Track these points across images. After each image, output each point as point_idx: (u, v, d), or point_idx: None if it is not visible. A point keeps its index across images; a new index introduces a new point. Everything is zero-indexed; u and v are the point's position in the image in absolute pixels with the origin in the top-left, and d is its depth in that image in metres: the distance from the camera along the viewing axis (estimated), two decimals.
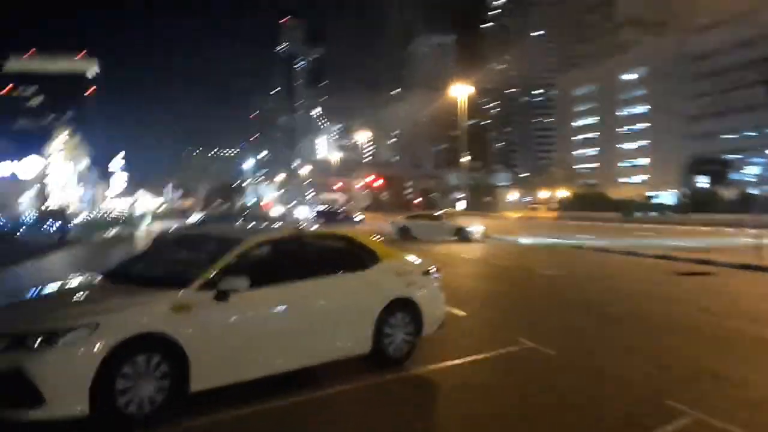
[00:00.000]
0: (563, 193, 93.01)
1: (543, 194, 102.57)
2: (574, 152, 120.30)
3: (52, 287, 6.13)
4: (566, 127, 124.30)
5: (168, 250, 7.28)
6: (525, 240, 29.87)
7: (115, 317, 4.99)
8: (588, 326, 9.54)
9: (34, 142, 55.86)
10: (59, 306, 5.23)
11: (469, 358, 7.39)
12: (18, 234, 29.57)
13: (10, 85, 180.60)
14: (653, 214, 62.56)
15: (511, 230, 39.32)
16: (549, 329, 9.21)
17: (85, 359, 4.71)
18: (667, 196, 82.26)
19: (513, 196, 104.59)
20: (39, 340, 4.66)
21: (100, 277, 6.18)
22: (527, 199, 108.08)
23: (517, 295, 13.04)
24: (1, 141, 41.16)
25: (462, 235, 30.05)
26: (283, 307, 6.03)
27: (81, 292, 5.91)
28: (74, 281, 6.42)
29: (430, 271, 7.56)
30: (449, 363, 7.17)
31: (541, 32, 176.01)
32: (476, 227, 31.46)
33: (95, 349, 4.75)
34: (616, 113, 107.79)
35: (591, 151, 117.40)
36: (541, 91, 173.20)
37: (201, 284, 5.53)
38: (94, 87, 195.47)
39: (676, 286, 14.10)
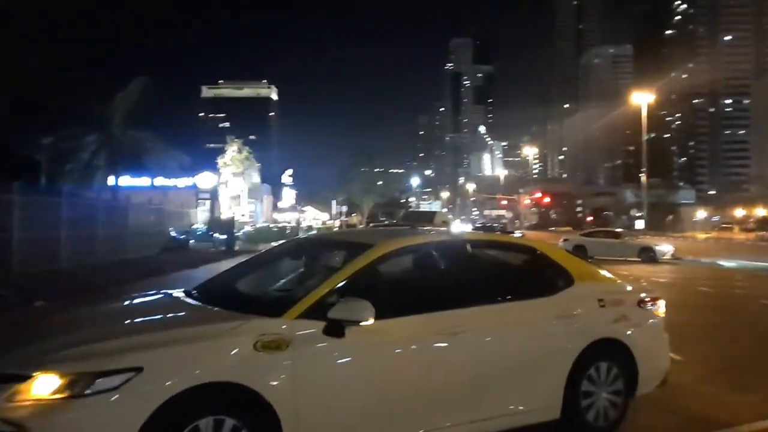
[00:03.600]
0: (761, 211, 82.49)
1: (736, 213, 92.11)
2: None
3: (111, 306, 4.64)
4: (764, 138, 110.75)
5: (280, 260, 5.55)
6: (727, 263, 25.45)
7: (167, 357, 3.25)
8: None
9: (212, 157, 59.14)
10: (97, 336, 3.54)
11: None
12: (191, 243, 30.60)
13: (204, 110, 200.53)
14: None
15: (705, 251, 34.52)
16: None
17: (118, 422, 3.04)
18: None
19: (700, 214, 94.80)
20: (53, 387, 3.06)
21: (181, 295, 4.51)
22: (716, 218, 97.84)
23: (748, 333, 9.86)
24: (185, 157, 43.65)
25: (647, 255, 26.38)
26: (431, 348, 4.00)
27: (137, 316, 4.27)
28: (145, 298, 4.89)
29: (645, 301, 5.17)
30: None
31: (730, 36, 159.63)
32: (665, 246, 27.63)
33: (135, 407, 3.05)
34: None
35: None
36: (730, 101, 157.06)
37: (304, 310, 3.68)
38: (273, 111, 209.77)
39: None
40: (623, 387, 4.75)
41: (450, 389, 4.03)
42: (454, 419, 4.02)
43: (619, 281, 5.35)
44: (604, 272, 5.28)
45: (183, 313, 4.09)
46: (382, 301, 3.73)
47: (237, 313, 3.73)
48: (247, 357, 3.37)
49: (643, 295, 5.20)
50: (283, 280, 4.92)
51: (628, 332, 4.84)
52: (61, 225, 18.36)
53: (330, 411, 3.60)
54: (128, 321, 4.08)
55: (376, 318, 3.64)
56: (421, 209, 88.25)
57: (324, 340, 3.59)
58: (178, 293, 4.52)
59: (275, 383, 3.39)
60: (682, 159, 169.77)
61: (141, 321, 4.05)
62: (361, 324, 3.60)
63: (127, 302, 4.78)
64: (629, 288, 5.27)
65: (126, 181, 36.48)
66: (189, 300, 4.31)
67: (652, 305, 5.17)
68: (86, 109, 29.52)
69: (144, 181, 42.11)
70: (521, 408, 4.31)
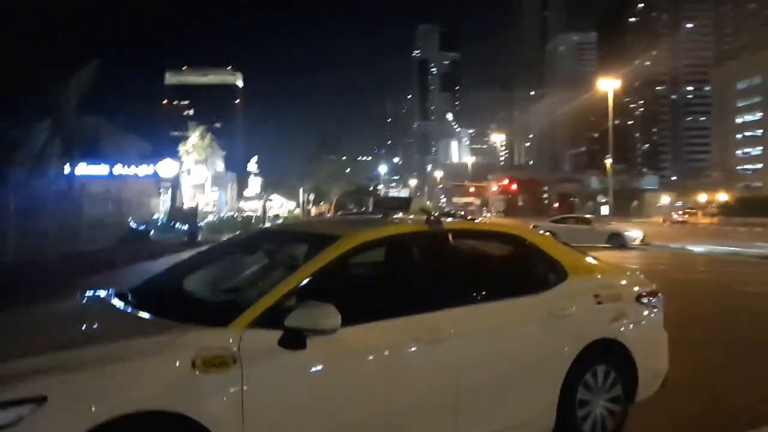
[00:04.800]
0: (722, 196, 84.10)
1: (698, 198, 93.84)
2: (733, 152, 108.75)
3: (18, 314, 3.87)
4: (724, 124, 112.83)
5: (234, 255, 4.84)
6: (695, 248, 25.45)
7: (80, 383, 2.52)
8: None
9: (176, 145, 57.33)
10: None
11: None
12: (151, 233, 29.52)
13: (167, 97, 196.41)
14: None
15: (672, 237, 34.71)
16: None
17: None
18: None
19: (664, 200, 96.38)
20: None
21: (110, 297, 3.72)
22: (678, 203, 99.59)
23: (729, 325, 9.47)
24: (144, 144, 42.04)
25: (617, 241, 26.25)
26: (408, 359, 3.38)
27: (48, 328, 3.40)
28: (63, 304, 4.11)
29: (644, 295, 4.61)
30: None
31: (691, 25, 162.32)
32: (634, 232, 27.56)
33: None
34: None
35: (755, 151, 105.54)
36: (691, 88, 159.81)
37: (255, 318, 3.00)
38: (238, 98, 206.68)
39: None
40: (621, 392, 4.21)
41: (432, 406, 3.42)
42: None
43: (613, 272, 4.79)
44: (592, 260, 4.71)
45: (106, 323, 3.32)
46: (350, 305, 3.10)
47: (173, 321, 3.02)
48: (184, 378, 2.69)
49: (638, 288, 4.64)
50: (233, 280, 4.21)
51: (627, 332, 4.29)
52: (8, 216, 17.31)
53: None
54: (34, 335, 3.22)
55: (343, 324, 2.99)
56: (391, 195, 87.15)
57: (280, 353, 2.92)
58: (106, 295, 3.78)
59: (220, 409, 2.73)
60: (645, 145, 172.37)
61: (51, 334, 3.21)
62: (324, 333, 2.96)
63: (42, 308, 3.99)
64: (624, 281, 4.71)
65: (83, 169, 34.96)
66: (118, 304, 3.53)
67: (650, 300, 4.62)
68: (38, 94, 28.11)
69: (102, 169, 40.55)
70: (514, 419, 3.73)
